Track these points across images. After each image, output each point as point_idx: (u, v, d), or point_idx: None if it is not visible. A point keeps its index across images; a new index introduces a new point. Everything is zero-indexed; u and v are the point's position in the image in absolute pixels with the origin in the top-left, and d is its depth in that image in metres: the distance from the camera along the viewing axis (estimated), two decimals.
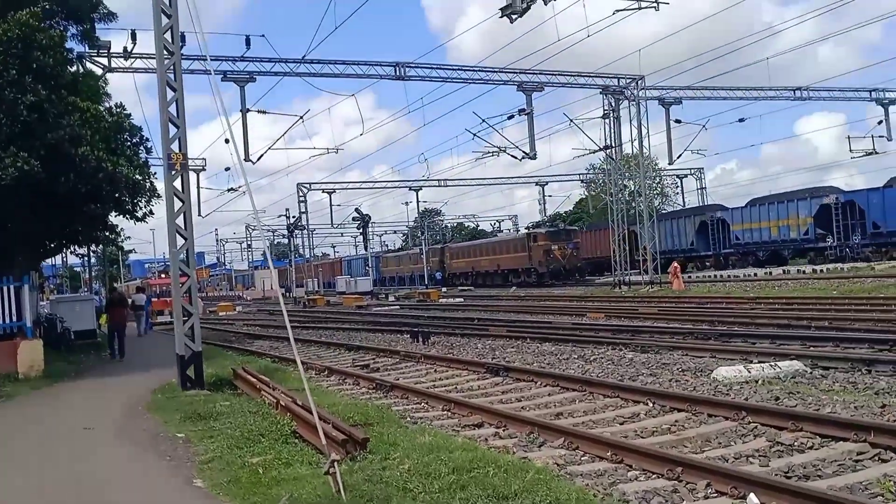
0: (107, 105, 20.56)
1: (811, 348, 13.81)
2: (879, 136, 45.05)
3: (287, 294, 76.73)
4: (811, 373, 11.42)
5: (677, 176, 75.42)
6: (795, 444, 7.70)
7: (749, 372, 11.16)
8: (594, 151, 41.03)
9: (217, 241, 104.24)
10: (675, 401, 9.78)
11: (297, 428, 9.09)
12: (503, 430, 9.18)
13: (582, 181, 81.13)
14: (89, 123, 17.92)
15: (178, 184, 13.55)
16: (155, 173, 20.64)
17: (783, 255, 46.22)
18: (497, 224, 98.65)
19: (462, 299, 45.15)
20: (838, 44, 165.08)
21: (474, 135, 39.08)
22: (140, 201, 19.76)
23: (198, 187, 49.14)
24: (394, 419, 9.84)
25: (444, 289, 57.49)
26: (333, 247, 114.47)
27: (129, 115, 19.21)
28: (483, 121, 38.08)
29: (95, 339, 25.26)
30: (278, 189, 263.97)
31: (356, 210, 60.73)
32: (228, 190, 48.35)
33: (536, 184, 75.94)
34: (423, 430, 8.78)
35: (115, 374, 17.00)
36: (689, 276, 42.29)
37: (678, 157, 44.61)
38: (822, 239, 41.79)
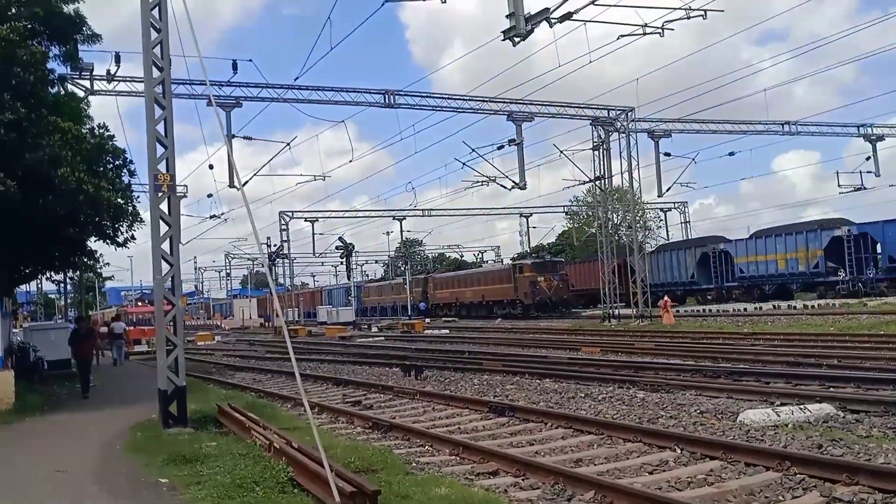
0: (89, 127, 19.67)
1: (832, 389, 13.12)
2: (868, 172, 45.00)
3: (267, 324, 75.53)
4: (843, 417, 10.69)
5: (661, 209, 75.45)
6: (855, 500, 6.95)
7: (778, 415, 10.42)
8: (584, 182, 40.65)
9: (196, 269, 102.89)
10: (705, 447, 9.00)
11: (295, 475, 8.23)
12: (523, 480, 8.34)
13: (566, 213, 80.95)
14: (70, 144, 17.14)
15: (164, 207, 12.75)
16: (138, 197, 19.79)
17: (791, 288, 44.66)
18: (480, 255, 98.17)
19: (448, 331, 44.29)
20: (814, 83, 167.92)
21: (463, 164, 38.59)
22: (121, 226, 18.88)
23: (178, 214, 48.19)
24: (399, 465, 9.02)
25: (427, 319, 56.55)
26: (313, 276, 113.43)
27: (113, 136, 18.45)
28: (472, 150, 37.62)
29: (70, 370, 24.12)
30: (259, 218, 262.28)
31: (339, 239, 59.84)
32: (211, 217, 47.31)
33: (521, 215, 75.59)
34: (436, 481, 7.96)
35: (92, 408, 15.99)
36: (678, 311, 41.54)
37: (667, 190, 44.21)
38: (833, 273, 40.26)
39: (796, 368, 16.10)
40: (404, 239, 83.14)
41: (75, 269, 24.20)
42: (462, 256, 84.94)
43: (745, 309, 40.19)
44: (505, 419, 12.47)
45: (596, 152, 39.36)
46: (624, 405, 13.09)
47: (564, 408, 13.16)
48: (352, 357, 28.28)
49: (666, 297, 37.57)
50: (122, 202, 18.28)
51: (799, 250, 41.78)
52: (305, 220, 66.17)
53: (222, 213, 47.56)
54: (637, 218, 75.76)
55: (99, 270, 22.10)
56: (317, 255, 69.38)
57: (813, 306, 37.12)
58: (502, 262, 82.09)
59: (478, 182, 39.50)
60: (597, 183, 39.49)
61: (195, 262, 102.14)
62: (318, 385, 20.16)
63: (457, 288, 64.93)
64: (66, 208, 16.43)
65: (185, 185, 49.12)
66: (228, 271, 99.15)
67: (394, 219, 71.97)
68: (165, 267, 12.58)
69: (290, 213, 63.33)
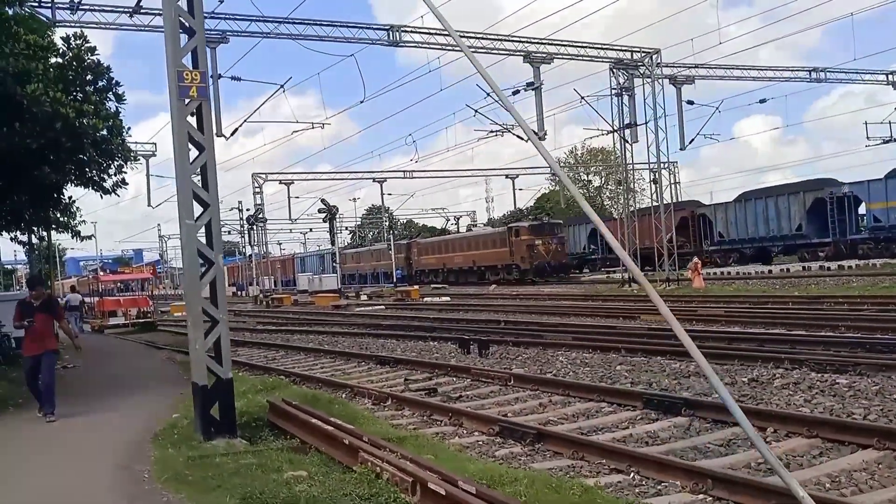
0: (62, 36, 15.35)
1: None
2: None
3: (240, 293, 71.17)
4: None
5: (651, 170, 72.29)
6: None
7: None
8: (607, 133, 37.12)
9: (160, 237, 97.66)
10: None
11: None
12: None
13: (551, 174, 77.54)
14: (39, 57, 13.04)
15: (192, 121, 8.82)
16: (128, 128, 15.42)
17: None
18: (456, 220, 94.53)
19: (448, 298, 40.68)
20: (778, 48, 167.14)
21: (476, 111, 34.69)
22: (110, 165, 14.71)
23: (147, 175, 45.07)
24: None
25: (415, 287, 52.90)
26: (280, 244, 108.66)
27: (94, 48, 14.17)
28: (487, 94, 33.41)
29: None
30: (226, 186, 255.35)
31: (321, 200, 55.33)
32: None
33: (507, 177, 71.95)
34: None
35: (82, 403, 11.60)
36: (710, 273, 37.72)
37: (690, 142, 40.78)
38: None
39: None
40: (382, 204, 78.92)
41: (48, 226, 19.68)
42: (448, 221, 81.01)
43: (765, 271, 37.08)
44: (683, 419, 8.87)
45: (616, 99, 35.76)
46: (832, 395, 9.55)
47: (762, 401, 9.55)
48: (368, 329, 24.52)
49: (696, 259, 34.26)
50: (107, 135, 14.11)
51: None
52: (280, 183, 61.87)
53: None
54: (624, 178, 73.06)
55: (77, 228, 17.61)
56: (294, 220, 65.00)
57: (852, 266, 34.08)
58: (481, 226, 78.62)
59: (492, 132, 35.72)
60: (620, 133, 35.85)
61: (159, 230, 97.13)
62: (353, 363, 16.48)
63: (445, 253, 61.28)
64: (38, 140, 12.39)
65: (154, 143, 45.00)
66: None
67: (374, 181, 67.78)
68: (198, 208, 8.67)
69: (263, 176, 59.03)
